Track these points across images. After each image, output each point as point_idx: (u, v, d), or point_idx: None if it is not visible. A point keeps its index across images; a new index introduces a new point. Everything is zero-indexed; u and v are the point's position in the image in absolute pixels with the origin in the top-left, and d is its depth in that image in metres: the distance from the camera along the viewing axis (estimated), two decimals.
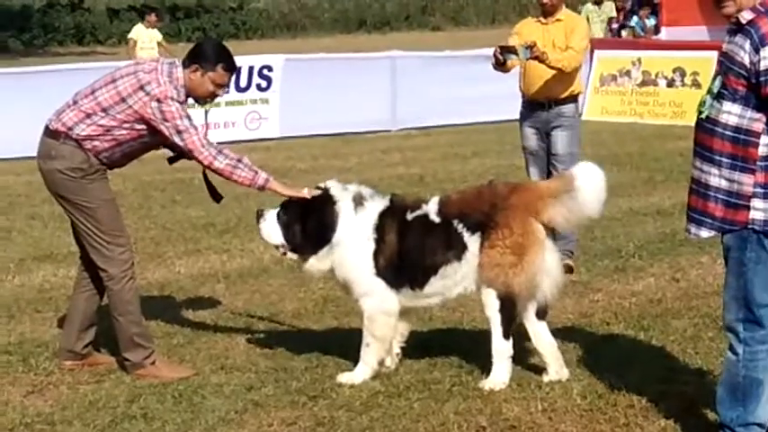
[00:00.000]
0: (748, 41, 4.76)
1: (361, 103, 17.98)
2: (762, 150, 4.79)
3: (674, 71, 19.02)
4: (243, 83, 17.44)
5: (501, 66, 8.58)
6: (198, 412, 5.88)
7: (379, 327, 6.25)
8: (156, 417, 5.84)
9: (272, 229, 6.35)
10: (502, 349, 6.12)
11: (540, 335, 6.24)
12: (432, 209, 6.25)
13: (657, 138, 16.68)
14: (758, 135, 4.79)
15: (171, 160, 6.68)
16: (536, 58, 8.48)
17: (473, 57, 18.57)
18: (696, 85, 18.58)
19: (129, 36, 22.63)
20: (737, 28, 4.85)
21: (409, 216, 6.24)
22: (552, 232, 6.17)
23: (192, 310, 7.83)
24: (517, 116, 9.12)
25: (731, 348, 4.98)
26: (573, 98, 8.93)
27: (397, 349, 6.45)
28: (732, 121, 4.82)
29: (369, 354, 6.27)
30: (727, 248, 4.94)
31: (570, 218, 6.09)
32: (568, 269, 8.13)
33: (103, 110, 6.33)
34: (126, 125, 6.35)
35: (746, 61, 4.76)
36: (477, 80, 16.52)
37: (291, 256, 6.42)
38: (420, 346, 6.67)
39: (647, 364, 6.41)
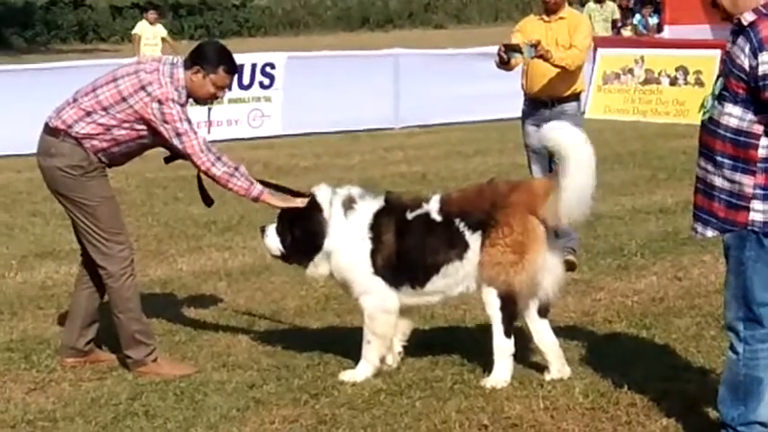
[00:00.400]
0: (748, 45, 4.76)
1: (363, 100, 17.95)
2: (762, 152, 4.79)
3: (676, 69, 19.00)
4: (246, 80, 17.41)
5: (505, 64, 8.56)
6: (200, 410, 5.88)
7: (379, 324, 6.26)
8: (157, 414, 5.84)
9: (272, 242, 6.45)
10: (503, 347, 6.12)
11: (542, 333, 6.23)
12: (433, 207, 6.25)
13: (660, 136, 16.68)
14: (758, 137, 4.79)
15: (167, 160, 6.68)
16: (540, 56, 8.47)
17: (476, 54, 18.54)
18: (699, 83, 18.56)
19: (134, 32, 22.62)
20: (740, 29, 4.84)
21: (409, 215, 6.25)
22: (554, 230, 6.16)
23: (193, 308, 7.83)
24: (519, 114, 9.11)
25: (732, 347, 4.99)
26: (575, 96, 8.92)
27: (399, 348, 6.46)
28: (733, 123, 4.82)
29: (370, 351, 6.28)
30: (727, 247, 4.95)
31: (569, 209, 5.99)
32: (571, 266, 8.12)
33: (104, 108, 6.33)
34: (126, 125, 6.35)
35: (746, 65, 4.76)
36: (480, 78, 16.50)
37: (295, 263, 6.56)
38: (422, 344, 6.67)
39: (650, 363, 6.41)
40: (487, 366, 6.19)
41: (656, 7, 25.91)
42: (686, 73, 18.91)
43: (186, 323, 7.45)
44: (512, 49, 8.46)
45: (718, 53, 16.18)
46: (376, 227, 6.24)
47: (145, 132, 6.38)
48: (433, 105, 18.35)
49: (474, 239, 6.12)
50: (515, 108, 9.36)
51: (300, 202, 6.34)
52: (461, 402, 5.87)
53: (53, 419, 5.82)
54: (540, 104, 8.84)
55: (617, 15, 24.46)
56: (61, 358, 6.67)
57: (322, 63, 19.16)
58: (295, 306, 7.87)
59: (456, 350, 6.63)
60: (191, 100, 6.48)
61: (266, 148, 16.19)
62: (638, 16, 25.55)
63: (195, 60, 6.43)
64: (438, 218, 6.22)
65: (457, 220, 6.16)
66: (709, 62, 18.11)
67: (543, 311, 6.22)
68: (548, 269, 6.08)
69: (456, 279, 6.21)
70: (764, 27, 4.75)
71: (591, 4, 24.15)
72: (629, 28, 25.22)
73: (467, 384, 6.13)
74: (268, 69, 17.78)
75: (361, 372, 6.26)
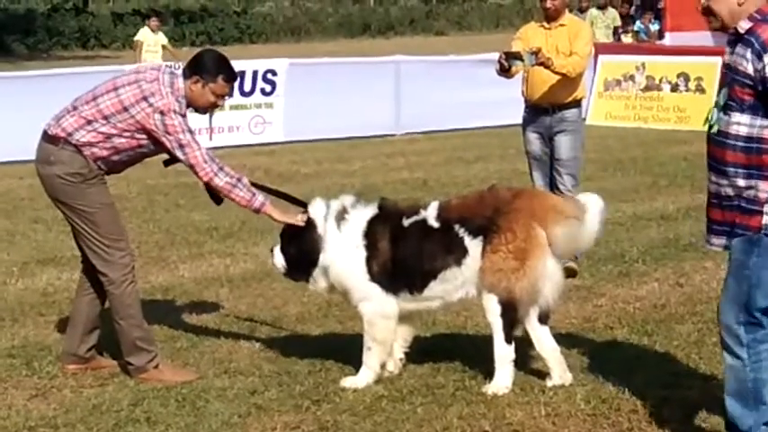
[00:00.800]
0: (749, 50, 4.77)
1: (365, 107, 17.97)
2: None
3: (678, 76, 19.01)
4: (247, 87, 17.43)
5: (505, 72, 8.56)
6: (201, 416, 5.88)
7: (379, 330, 6.27)
8: (159, 420, 5.84)
9: (278, 261, 6.54)
10: (504, 354, 6.12)
11: (543, 340, 6.24)
12: (430, 214, 6.27)
13: (661, 142, 16.69)
14: None
15: (167, 163, 6.68)
16: (541, 63, 8.49)
17: (477, 61, 18.57)
18: (700, 90, 18.58)
19: (136, 38, 22.64)
20: (737, 38, 4.85)
21: (405, 221, 6.28)
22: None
23: (195, 314, 7.84)
24: (520, 121, 9.12)
25: (733, 353, 4.96)
26: (576, 103, 8.92)
27: (400, 354, 6.47)
28: (743, 131, 4.82)
29: (371, 357, 6.29)
30: (732, 251, 4.93)
31: (569, 243, 6.13)
32: (571, 272, 8.12)
33: (105, 117, 6.34)
34: (126, 134, 6.35)
35: (750, 70, 4.77)
36: (481, 85, 16.52)
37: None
38: (423, 350, 6.67)
39: (651, 369, 6.41)
40: (489, 373, 6.19)
41: (657, 14, 25.92)
42: (687, 80, 18.92)
43: (188, 329, 7.45)
44: (512, 56, 8.47)
45: (719, 60, 16.16)
46: (370, 234, 6.27)
47: (145, 141, 6.39)
48: (435, 112, 18.37)
49: (474, 245, 6.12)
50: (516, 114, 9.36)
51: (300, 220, 6.38)
52: (463, 409, 5.87)
53: (54, 426, 5.82)
54: (541, 111, 8.85)
55: (618, 22, 24.48)
56: (62, 365, 6.67)
57: (323, 70, 19.20)
58: (297, 312, 7.88)
59: (457, 357, 6.63)
60: (190, 108, 6.49)
61: (268, 154, 16.20)
62: (638, 23, 25.57)
63: (194, 70, 6.44)
64: (435, 224, 6.23)
65: (456, 227, 6.17)
66: (710, 69, 18.13)
67: (543, 318, 6.23)
68: (548, 276, 6.09)
69: (455, 285, 6.22)
70: (764, 31, 4.77)
71: (594, 11, 24.16)
72: (629, 35, 25.23)
73: (468, 391, 6.13)
74: (269, 76, 17.80)
75: (363, 378, 6.27)
